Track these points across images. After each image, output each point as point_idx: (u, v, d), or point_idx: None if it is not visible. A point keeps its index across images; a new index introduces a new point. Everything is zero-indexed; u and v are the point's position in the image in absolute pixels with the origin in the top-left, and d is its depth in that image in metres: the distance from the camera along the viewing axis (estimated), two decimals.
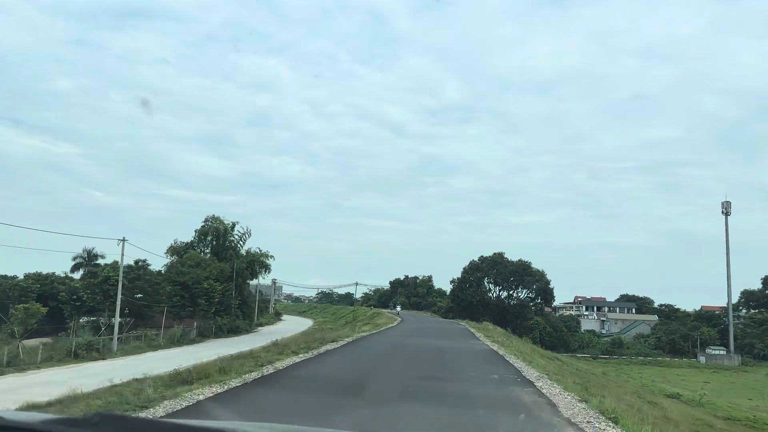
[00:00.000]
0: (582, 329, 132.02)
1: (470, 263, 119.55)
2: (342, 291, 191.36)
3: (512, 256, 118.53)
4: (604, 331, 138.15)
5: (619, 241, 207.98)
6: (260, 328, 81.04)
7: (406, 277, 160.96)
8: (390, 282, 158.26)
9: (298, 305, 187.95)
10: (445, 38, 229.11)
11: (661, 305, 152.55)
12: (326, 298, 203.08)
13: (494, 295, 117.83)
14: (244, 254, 72.24)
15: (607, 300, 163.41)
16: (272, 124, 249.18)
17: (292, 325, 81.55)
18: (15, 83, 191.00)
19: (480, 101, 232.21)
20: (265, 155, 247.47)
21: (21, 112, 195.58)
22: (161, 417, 8.67)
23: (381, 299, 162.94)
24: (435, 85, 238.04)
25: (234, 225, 72.62)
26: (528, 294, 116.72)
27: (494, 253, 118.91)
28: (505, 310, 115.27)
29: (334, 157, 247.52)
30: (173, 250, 66.00)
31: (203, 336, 59.19)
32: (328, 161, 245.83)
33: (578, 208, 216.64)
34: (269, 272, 75.94)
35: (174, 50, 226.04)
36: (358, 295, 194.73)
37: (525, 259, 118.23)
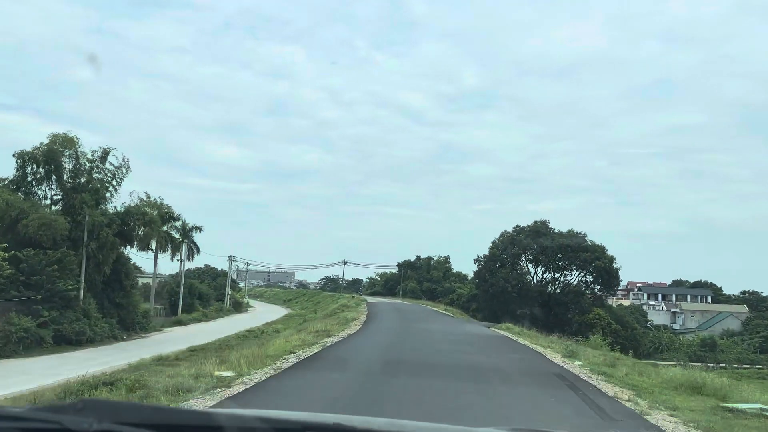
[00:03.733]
0: (649, 323, 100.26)
1: (502, 235, 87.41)
2: (330, 273, 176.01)
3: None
4: (677, 327, 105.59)
5: (642, 228, 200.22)
6: (171, 330, 50.27)
7: (418, 258, 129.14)
8: (398, 264, 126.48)
9: (288, 292, 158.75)
10: (463, 23, 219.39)
11: (744, 293, 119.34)
12: (332, 284, 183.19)
13: (535, 278, 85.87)
14: (117, 207, 41.68)
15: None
16: (290, 112, 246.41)
17: (224, 328, 50.60)
18: (36, 73, 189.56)
19: (498, 87, 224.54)
20: (283, 143, 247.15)
21: (42, 102, 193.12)
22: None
23: (387, 285, 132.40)
24: (453, 71, 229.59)
25: (106, 153, 41.67)
26: (582, 277, 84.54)
27: (535, 222, 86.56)
28: (551, 299, 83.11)
29: (351, 145, 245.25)
30: None
31: None
32: (346, 149, 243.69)
33: (599, 195, 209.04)
34: (182, 242, 45.39)
35: (191, 38, 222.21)
36: (363, 280, 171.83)
37: (576, 229, 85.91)
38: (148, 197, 42.81)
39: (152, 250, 53.43)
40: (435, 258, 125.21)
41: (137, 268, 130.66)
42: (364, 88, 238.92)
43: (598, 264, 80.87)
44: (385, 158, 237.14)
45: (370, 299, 76.08)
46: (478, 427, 2.31)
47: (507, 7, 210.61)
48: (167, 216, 53.09)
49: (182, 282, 60.75)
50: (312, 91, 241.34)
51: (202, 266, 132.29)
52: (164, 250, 54.55)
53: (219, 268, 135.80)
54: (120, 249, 40.88)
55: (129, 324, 43.05)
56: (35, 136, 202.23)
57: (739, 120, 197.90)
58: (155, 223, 42.05)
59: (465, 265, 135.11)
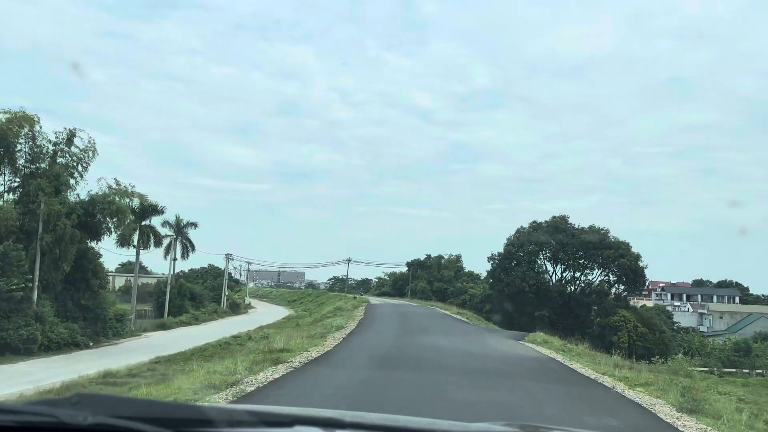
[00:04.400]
0: (676, 326, 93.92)
1: (518, 231, 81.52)
2: (338, 273, 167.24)
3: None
4: (704, 329, 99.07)
5: (657, 227, 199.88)
6: (151, 335, 45.04)
7: (428, 257, 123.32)
8: (407, 263, 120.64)
9: (294, 292, 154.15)
10: (474, 22, 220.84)
11: None
12: (340, 284, 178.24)
13: (554, 277, 79.89)
14: (81, 196, 36.27)
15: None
16: (300, 112, 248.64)
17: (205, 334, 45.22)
18: (50, 75, 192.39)
19: (510, 86, 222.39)
20: (294, 144, 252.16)
21: (56, 104, 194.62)
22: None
23: (396, 285, 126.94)
24: (463, 71, 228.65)
25: (72, 135, 36.34)
26: (605, 275, 78.44)
27: (554, 217, 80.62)
28: (572, 300, 77.16)
29: (361, 145, 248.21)
30: None
31: None
32: (356, 149, 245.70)
33: (612, 194, 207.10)
34: (175, 238, 40.06)
35: (203, 40, 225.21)
36: (372, 280, 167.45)
37: (598, 225, 79.74)
38: (118, 184, 37.43)
39: (134, 246, 48.15)
40: (446, 257, 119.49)
41: (143, 268, 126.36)
42: (375, 88, 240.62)
43: (623, 262, 74.80)
44: (396, 158, 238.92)
45: (375, 300, 70.41)
46: (472, 423, 2.33)
47: (518, 6, 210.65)
48: (149, 208, 47.78)
49: (170, 281, 55.47)
50: (322, 91, 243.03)
51: (206, 266, 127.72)
52: (146, 247, 49.33)
53: (222, 268, 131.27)
54: (84, 243, 35.53)
55: (99, 329, 37.74)
56: (48, 137, 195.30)
57: (752, 117, 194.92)
58: (123, 214, 36.58)
59: (477, 266, 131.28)
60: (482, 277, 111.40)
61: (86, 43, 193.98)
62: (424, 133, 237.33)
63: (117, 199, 36.02)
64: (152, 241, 49.76)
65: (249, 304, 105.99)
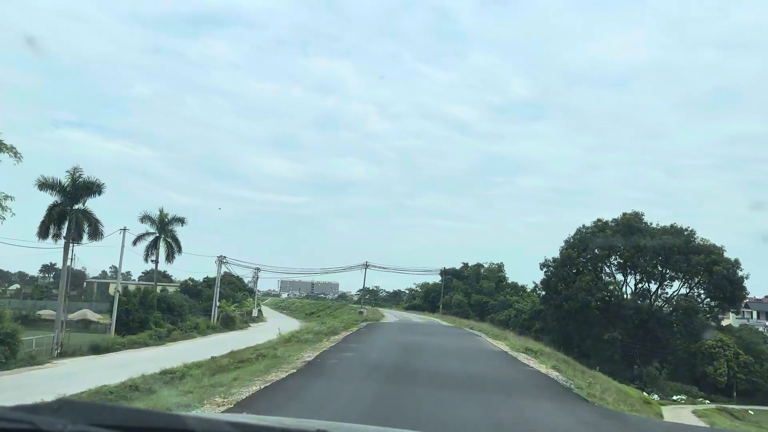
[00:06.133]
0: None
1: (578, 232, 65.60)
2: (369, 284, 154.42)
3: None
4: None
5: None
6: (59, 364, 31.33)
7: (465, 265, 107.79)
8: (440, 272, 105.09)
9: (314, 304, 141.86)
10: (512, 33, 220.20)
11: None
12: (371, 295, 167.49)
13: (628, 289, 63.61)
14: None
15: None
16: (338, 125, 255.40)
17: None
18: (98, 90, 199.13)
19: (548, 97, 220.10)
20: (332, 156, 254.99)
21: (104, 119, 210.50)
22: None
23: (428, 297, 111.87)
24: (501, 82, 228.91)
25: None
26: (692, 288, 61.89)
27: (625, 214, 64.45)
28: (651, 318, 60.76)
29: (398, 157, 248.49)
30: None
31: None
32: (393, 161, 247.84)
33: (655, 207, 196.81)
34: (158, 237, 27.85)
35: (245, 55, 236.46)
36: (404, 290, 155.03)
37: (681, 224, 63.17)
38: None
39: (62, 237, 34.46)
40: (485, 265, 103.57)
41: (166, 276, 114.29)
42: (412, 101, 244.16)
43: (716, 270, 58.25)
44: (433, 170, 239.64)
45: (393, 317, 55.59)
46: None
47: (557, 17, 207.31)
48: (82, 186, 34.20)
49: (119, 287, 41.79)
50: (360, 104, 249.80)
51: (223, 274, 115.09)
52: (77, 239, 35.74)
53: (243, 278, 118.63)
54: None
55: None
56: (97, 151, 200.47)
57: None
58: None
59: (517, 280, 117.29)
60: (528, 289, 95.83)
61: (133, 59, 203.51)
62: (461, 144, 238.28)
63: None
64: (86, 231, 36.19)
65: (258, 315, 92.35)
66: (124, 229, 42.65)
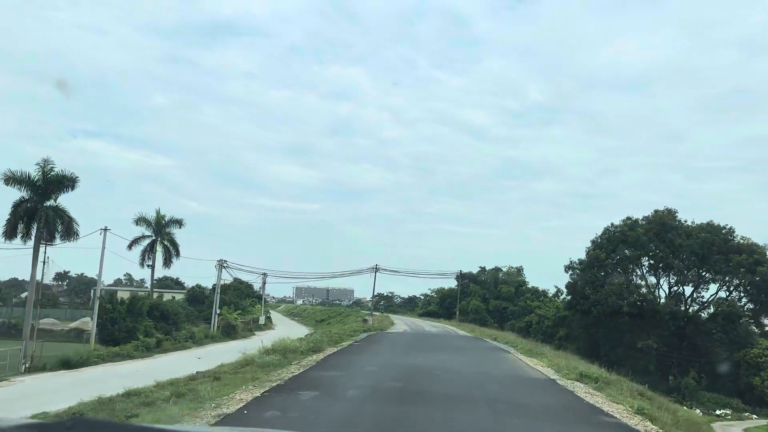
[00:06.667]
0: None
1: (606, 231, 60.64)
2: (383, 290, 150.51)
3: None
4: None
5: None
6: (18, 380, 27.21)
7: (482, 269, 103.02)
8: (456, 277, 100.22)
9: (325, 310, 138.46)
10: (527, 38, 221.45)
11: None
12: (385, 301, 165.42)
13: (660, 292, 58.44)
14: None
15: None
16: (353, 132, 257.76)
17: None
18: (116, 101, 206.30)
19: (564, 101, 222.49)
20: (346, 163, 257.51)
21: (122, 128, 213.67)
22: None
23: (444, 303, 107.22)
24: (517, 87, 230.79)
25: None
26: (732, 291, 56.57)
27: (656, 211, 59.41)
28: (689, 324, 55.58)
29: (413, 163, 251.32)
30: None
31: None
32: (408, 167, 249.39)
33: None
34: (155, 240, 25.96)
35: (259, 64, 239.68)
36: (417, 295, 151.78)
37: (717, 221, 57.93)
38: None
39: (29, 237, 30.53)
40: (504, 269, 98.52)
41: (178, 283, 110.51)
42: (426, 107, 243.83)
43: (761, 270, 52.96)
44: (447, 175, 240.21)
45: (403, 325, 51.19)
46: None
47: (572, 21, 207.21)
48: (54, 180, 30.29)
49: (98, 293, 37.81)
50: (374, 111, 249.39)
51: (232, 280, 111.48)
52: (50, 240, 31.78)
53: (252, 284, 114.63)
54: None
55: None
56: (115, 161, 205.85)
57: None
58: None
59: (536, 285, 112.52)
60: (549, 294, 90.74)
61: (150, 69, 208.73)
62: (476, 150, 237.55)
63: None
64: (59, 230, 32.21)
65: (265, 323, 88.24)
66: (105, 229, 38.76)
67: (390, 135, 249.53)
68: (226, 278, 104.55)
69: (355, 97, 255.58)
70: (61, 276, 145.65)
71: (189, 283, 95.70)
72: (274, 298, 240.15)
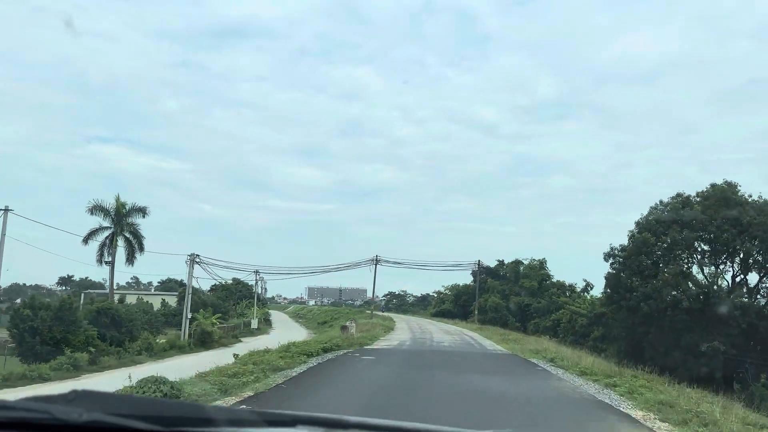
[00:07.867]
0: None
1: (652, 211, 50.54)
2: (395, 289, 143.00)
3: None
4: None
5: None
6: None
7: (500, 263, 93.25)
8: (472, 272, 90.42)
9: (328, 311, 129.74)
10: (538, 33, 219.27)
11: None
12: (399, 300, 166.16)
13: (722, 283, 48.29)
14: None
15: None
16: (364, 132, 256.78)
17: None
18: (128, 106, 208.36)
19: (576, 96, 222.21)
20: (358, 163, 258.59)
21: (134, 133, 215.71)
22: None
23: (459, 301, 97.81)
24: (528, 82, 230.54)
25: None
26: None
27: (713, 185, 49.25)
28: (762, 320, 45.44)
29: (424, 162, 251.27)
30: None
31: None
32: (419, 166, 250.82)
33: None
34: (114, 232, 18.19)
35: (269, 66, 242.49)
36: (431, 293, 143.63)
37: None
38: None
39: None
40: (525, 262, 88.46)
41: (182, 286, 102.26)
42: (437, 105, 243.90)
43: None
44: (460, 173, 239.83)
45: (406, 331, 41.62)
46: (476, 430, 2.35)
47: (583, 14, 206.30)
48: None
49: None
50: (385, 110, 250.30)
51: (230, 280, 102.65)
52: None
53: (249, 283, 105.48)
54: None
55: None
56: (129, 165, 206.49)
57: None
58: None
59: (558, 278, 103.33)
60: (577, 288, 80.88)
61: (161, 74, 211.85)
62: (488, 147, 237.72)
63: None
64: None
65: (259, 327, 79.14)
66: (6, 209, 29.67)
67: (401, 134, 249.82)
68: (226, 278, 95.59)
69: (365, 97, 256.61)
70: (65, 280, 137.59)
71: (205, 286, 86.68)
72: (286, 299, 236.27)
